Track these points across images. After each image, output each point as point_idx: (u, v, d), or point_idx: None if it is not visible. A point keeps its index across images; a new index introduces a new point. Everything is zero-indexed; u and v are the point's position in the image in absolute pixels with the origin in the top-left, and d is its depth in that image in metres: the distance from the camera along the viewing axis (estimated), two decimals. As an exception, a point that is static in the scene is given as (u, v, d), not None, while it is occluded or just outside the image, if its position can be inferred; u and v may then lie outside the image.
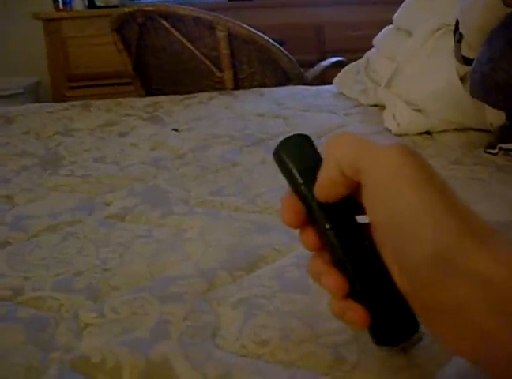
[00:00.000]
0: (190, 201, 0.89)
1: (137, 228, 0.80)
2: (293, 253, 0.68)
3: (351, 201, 0.43)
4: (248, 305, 0.57)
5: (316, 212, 0.44)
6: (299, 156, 0.46)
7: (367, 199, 0.41)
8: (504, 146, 1.05)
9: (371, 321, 0.43)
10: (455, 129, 1.21)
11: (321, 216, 0.44)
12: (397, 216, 0.38)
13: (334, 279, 0.43)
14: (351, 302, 0.43)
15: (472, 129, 1.20)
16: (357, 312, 0.43)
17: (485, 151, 1.07)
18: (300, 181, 0.45)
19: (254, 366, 0.48)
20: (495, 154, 1.05)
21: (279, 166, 0.48)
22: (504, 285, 0.34)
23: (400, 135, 1.21)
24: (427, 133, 1.22)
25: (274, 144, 0.49)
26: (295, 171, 0.46)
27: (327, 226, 0.44)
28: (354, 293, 0.43)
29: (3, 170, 1.09)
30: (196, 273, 0.65)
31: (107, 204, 0.90)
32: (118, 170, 1.06)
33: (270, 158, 0.50)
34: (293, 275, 0.62)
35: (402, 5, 1.58)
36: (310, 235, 0.45)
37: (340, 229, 0.44)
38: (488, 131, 1.16)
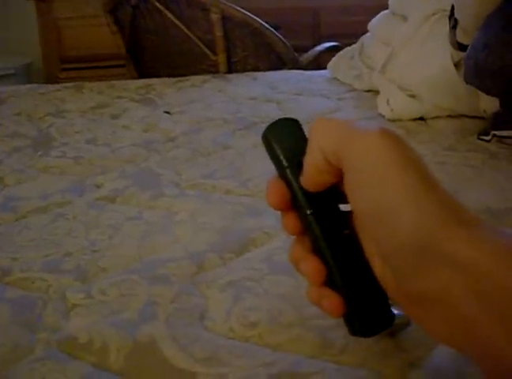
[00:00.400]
0: (181, 184, 0.89)
1: (128, 210, 0.79)
2: (283, 236, 0.68)
3: (336, 189, 0.43)
4: (237, 288, 0.57)
5: (299, 196, 0.44)
6: (286, 140, 0.46)
7: (349, 185, 0.40)
8: (497, 133, 1.05)
9: (347, 310, 0.43)
10: (449, 116, 1.21)
11: (304, 201, 0.44)
12: (379, 202, 0.38)
13: (312, 266, 0.43)
14: (327, 290, 0.43)
15: (466, 115, 1.20)
16: (332, 300, 0.43)
17: (478, 138, 1.07)
18: (285, 164, 0.45)
19: (242, 349, 0.48)
20: (488, 141, 1.05)
21: (266, 150, 0.47)
22: (486, 271, 0.33)
23: (393, 120, 1.21)
24: (421, 118, 1.22)
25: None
26: (281, 155, 0.46)
27: (308, 211, 0.44)
28: (331, 281, 0.43)
29: (-6, 152, 1.08)
30: (185, 255, 0.65)
31: (98, 186, 0.89)
32: (110, 152, 1.05)
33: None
34: (282, 258, 0.62)
35: (398, -10, 1.57)
36: (292, 219, 0.45)
37: (321, 215, 0.44)
38: (482, 118, 1.16)
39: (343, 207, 0.44)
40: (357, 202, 0.40)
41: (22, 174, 0.95)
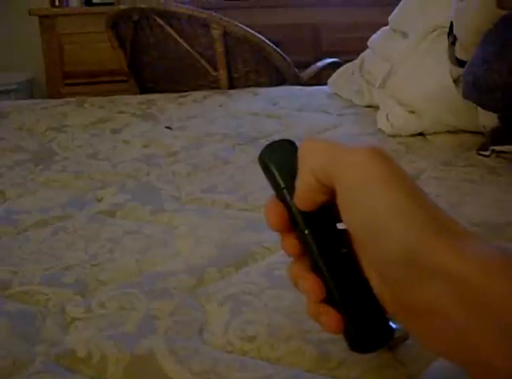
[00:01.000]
0: (182, 198, 0.89)
1: (128, 224, 0.80)
2: (282, 250, 0.68)
3: (332, 208, 0.43)
4: (236, 302, 0.57)
5: (297, 216, 0.45)
6: (282, 161, 0.47)
7: (340, 203, 0.41)
8: (497, 148, 1.05)
9: (346, 327, 0.43)
10: (448, 131, 1.22)
11: (301, 221, 0.45)
12: (368, 219, 0.39)
13: (311, 283, 0.44)
14: (325, 307, 0.44)
15: (465, 131, 1.20)
16: (331, 316, 0.43)
17: (477, 153, 1.08)
18: (282, 185, 0.46)
19: (240, 362, 0.48)
20: (487, 156, 1.06)
21: (263, 171, 0.48)
22: (475, 284, 0.34)
23: (393, 136, 1.22)
24: (421, 134, 1.23)
25: (267, 143, 0.50)
26: (277, 176, 0.46)
27: (306, 231, 0.44)
28: (330, 298, 0.44)
29: (-5, 166, 1.08)
30: (185, 269, 0.65)
31: (99, 200, 0.90)
32: (111, 166, 1.06)
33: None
34: (282, 273, 0.62)
35: (398, 7, 1.58)
36: (291, 240, 0.45)
37: (319, 234, 0.44)
38: (481, 133, 1.16)
39: (340, 225, 0.45)
40: (349, 219, 0.41)
41: (23, 188, 0.95)
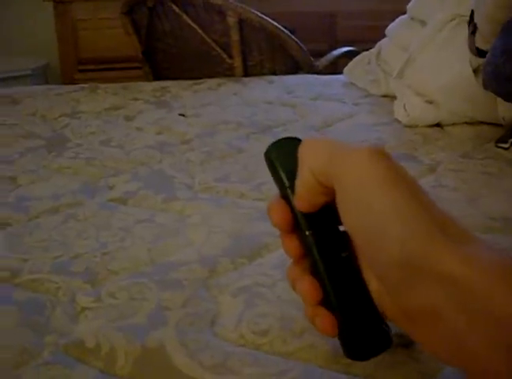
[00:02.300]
0: (195, 187, 0.88)
1: (140, 212, 0.79)
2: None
3: (335, 209, 0.42)
4: (249, 294, 0.56)
5: (299, 217, 0.44)
6: (288, 160, 0.46)
7: (339, 205, 0.40)
8: (516, 140, 1.03)
9: (342, 332, 0.42)
10: (466, 122, 1.20)
11: (303, 222, 0.44)
12: (367, 221, 0.38)
13: (308, 285, 0.43)
14: (322, 309, 0.43)
15: (484, 122, 1.18)
16: (326, 319, 0.43)
17: (496, 146, 1.06)
18: (287, 184, 0.45)
19: (252, 357, 0.47)
20: (506, 148, 1.04)
21: (268, 169, 0.48)
22: (473, 286, 0.33)
23: (410, 126, 1.20)
24: (438, 125, 1.21)
25: (281, 131, 0.49)
26: (282, 174, 0.46)
27: (307, 232, 0.44)
28: (326, 301, 0.43)
29: (8, 151, 1.08)
30: (197, 259, 0.64)
31: (110, 188, 0.89)
32: (123, 153, 1.05)
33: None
34: (296, 265, 0.61)
35: (416, -5, 1.56)
36: (293, 241, 0.45)
37: (320, 236, 0.44)
38: (500, 125, 1.14)
39: (343, 227, 0.44)
40: (348, 221, 0.40)
41: (35, 175, 0.95)
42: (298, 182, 0.43)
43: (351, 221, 0.40)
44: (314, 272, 0.44)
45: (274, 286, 0.57)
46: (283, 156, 0.46)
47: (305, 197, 0.43)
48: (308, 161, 0.42)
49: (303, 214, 0.44)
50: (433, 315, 0.35)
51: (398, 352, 0.46)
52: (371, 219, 0.38)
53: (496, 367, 0.33)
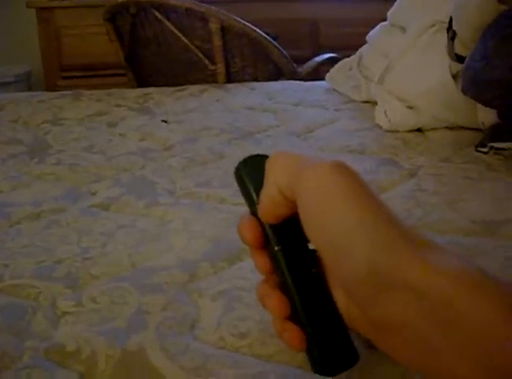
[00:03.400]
0: (176, 192, 0.88)
1: (121, 218, 0.79)
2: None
3: None
4: (228, 297, 0.57)
5: (268, 232, 0.44)
6: (257, 176, 0.46)
7: (304, 219, 0.40)
8: (495, 145, 1.04)
9: (310, 347, 0.42)
10: (446, 127, 1.21)
11: (273, 237, 0.44)
12: (332, 234, 0.38)
13: (276, 301, 0.43)
14: (290, 324, 0.43)
15: (464, 127, 1.20)
16: (294, 334, 0.42)
17: (476, 150, 1.07)
18: (256, 201, 0.45)
19: (231, 359, 0.48)
20: (485, 153, 1.05)
21: (238, 185, 0.48)
22: (437, 295, 0.34)
23: (391, 131, 1.21)
24: (419, 130, 1.22)
25: (263, 137, 0.50)
26: (251, 191, 0.46)
27: (276, 247, 0.44)
28: (295, 316, 0.43)
29: (-10, 158, 1.07)
30: (178, 264, 0.64)
31: (93, 194, 0.89)
32: (105, 160, 1.05)
33: (258, 151, 0.50)
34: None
35: (397, 2, 1.57)
36: (263, 258, 0.45)
37: (289, 252, 0.44)
38: (480, 129, 1.15)
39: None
40: (312, 236, 0.40)
41: (17, 181, 0.94)
42: (262, 193, 0.43)
43: (315, 237, 0.40)
44: (283, 288, 0.44)
45: (253, 289, 0.57)
46: (252, 173, 0.47)
47: (269, 208, 0.43)
48: (274, 174, 0.42)
49: (273, 230, 0.44)
50: (403, 324, 0.36)
51: (377, 352, 0.47)
52: (337, 234, 0.38)
53: (461, 371, 0.33)
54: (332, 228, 0.38)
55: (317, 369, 0.43)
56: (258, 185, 0.45)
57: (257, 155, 0.49)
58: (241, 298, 0.56)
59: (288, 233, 0.44)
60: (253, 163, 0.48)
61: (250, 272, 0.61)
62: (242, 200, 0.83)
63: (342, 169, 0.39)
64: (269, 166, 0.43)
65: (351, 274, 0.37)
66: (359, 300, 0.38)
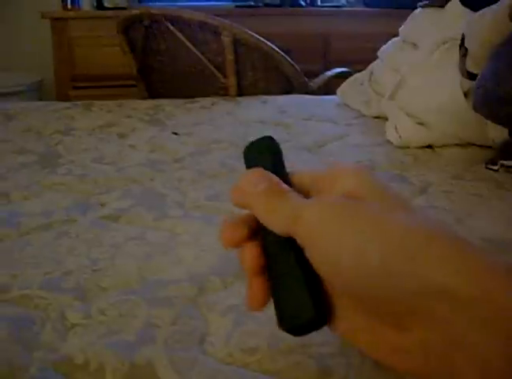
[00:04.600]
0: (186, 205, 0.88)
1: (131, 230, 0.79)
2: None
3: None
4: (237, 312, 0.56)
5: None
6: (262, 160, 0.48)
7: (312, 251, 0.40)
8: (505, 163, 1.04)
9: (278, 302, 0.43)
10: (457, 144, 1.21)
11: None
12: (332, 259, 0.38)
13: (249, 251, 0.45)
14: (255, 280, 0.44)
15: (475, 144, 1.19)
16: (257, 289, 0.44)
17: (486, 167, 1.07)
18: None
19: (240, 374, 0.47)
20: (496, 170, 1.05)
21: (245, 164, 0.50)
22: (465, 303, 0.33)
23: (401, 147, 1.21)
24: (429, 146, 1.22)
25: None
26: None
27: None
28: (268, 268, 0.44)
29: (1, 167, 1.08)
30: (187, 278, 0.64)
31: (102, 205, 0.89)
32: (116, 171, 1.05)
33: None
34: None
35: (409, 18, 1.58)
36: (254, 249, 0.45)
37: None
38: (490, 147, 1.15)
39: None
40: (313, 258, 0.40)
41: (27, 191, 0.95)
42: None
43: (318, 259, 0.40)
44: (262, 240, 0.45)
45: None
46: (258, 156, 0.48)
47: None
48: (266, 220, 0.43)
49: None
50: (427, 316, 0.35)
51: (387, 374, 0.46)
52: (337, 255, 0.38)
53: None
54: (332, 257, 0.38)
55: (282, 325, 0.42)
56: (262, 167, 0.46)
57: (266, 138, 0.50)
58: (250, 313, 0.56)
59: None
60: (260, 146, 0.49)
61: (259, 287, 0.61)
62: (252, 214, 0.83)
63: (340, 203, 0.40)
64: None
65: (353, 290, 0.37)
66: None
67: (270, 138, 0.51)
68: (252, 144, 0.51)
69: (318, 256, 0.40)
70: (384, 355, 0.39)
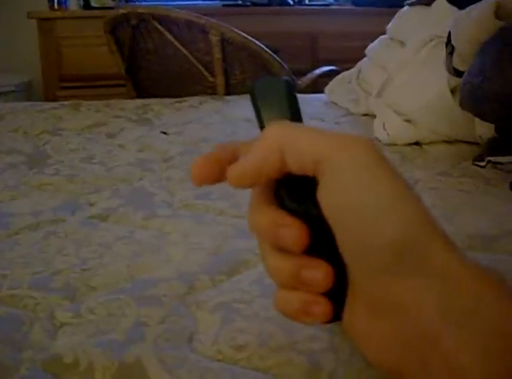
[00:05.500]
0: (175, 204, 0.89)
1: (120, 229, 0.79)
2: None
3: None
4: (227, 310, 0.56)
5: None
6: (271, 99, 0.45)
7: (329, 186, 0.38)
8: (492, 159, 1.05)
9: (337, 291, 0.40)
10: (444, 141, 1.21)
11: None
12: (365, 203, 0.37)
13: (295, 230, 0.40)
14: (319, 297, 0.40)
15: (462, 141, 1.20)
16: (325, 306, 0.40)
17: (473, 164, 1.07)
18: (265, 124, 0.44)
19: (229, 372, 0.47)
20: (483, 166, 1.05)
21: (252, 105, 0.46)
22: (461, 284, 0.34)
23: (389, 145, 1.21)
24: (417, 143, 1.22)
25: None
26: (262, 114, 0.45)
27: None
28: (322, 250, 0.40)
29: (-12, 168, 1.08)
30: (176, 276, 0.64)
31: (91, 205, 0.89)
32: (104, 170, 1.05)
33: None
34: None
35: (396, 16, 1.58)
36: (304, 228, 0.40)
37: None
38: (477, 143, 1.16)
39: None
40: (336, 201, 0.38)
41: (15, 191, 0.95)
42: (252, 155, 0.42)
43: (344, 201, 0.37)
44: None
45: (252, 302, 0.58)
46: (267, 95, 0.45)
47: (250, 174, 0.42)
48: (291, 143, 0.40)
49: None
50: (406, 308, 0.35)
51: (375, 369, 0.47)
52: (371, 202, 0.36)
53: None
54: (368, 196, 0.37)
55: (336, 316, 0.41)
56: (270, 107, 0.44)
57: (276, 79, 0.47)
58: (240, 310, 0.56)
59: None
60: (270, 85, 0.46)
61: (248, 284, 0.61)
62: (241, 212, 0.83)
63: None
64: (271, 135, 0.42)
65: (378, 241, 0.36)
66: (372, 272, 0.37)
67: (285, 80, 0.47)
68: (263, 82, 0.46)
69: (336, 185, 0.38)
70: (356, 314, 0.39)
